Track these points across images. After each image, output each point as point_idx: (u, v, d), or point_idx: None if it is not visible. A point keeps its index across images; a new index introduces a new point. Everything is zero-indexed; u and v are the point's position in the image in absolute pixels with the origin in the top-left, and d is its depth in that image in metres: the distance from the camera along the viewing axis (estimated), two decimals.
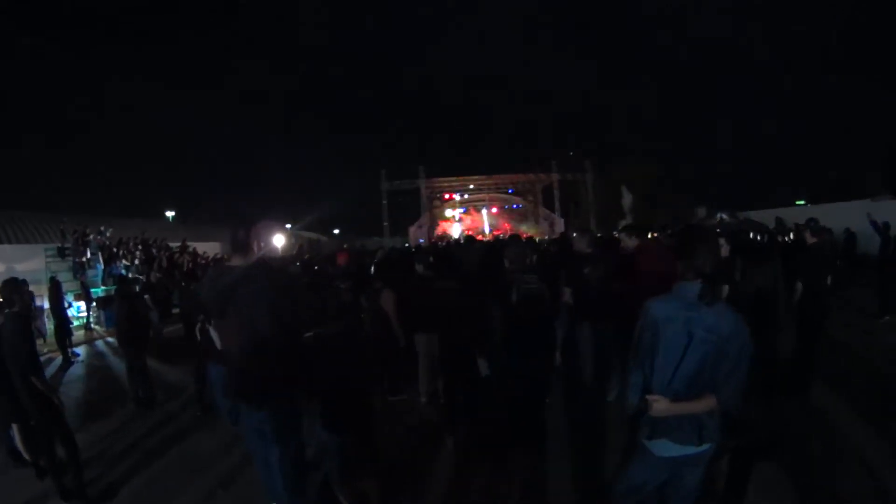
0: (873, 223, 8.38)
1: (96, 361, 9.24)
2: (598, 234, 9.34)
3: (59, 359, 9.01)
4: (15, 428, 3.91)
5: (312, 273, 5.10)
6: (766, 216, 12.61)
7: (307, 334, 2.79)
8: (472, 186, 32.89)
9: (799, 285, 4.58)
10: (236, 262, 2.73)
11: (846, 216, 12.46)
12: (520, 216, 33.66)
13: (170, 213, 25.82)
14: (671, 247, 3.83)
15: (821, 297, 4.74)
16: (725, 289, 2.60)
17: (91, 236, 14.90)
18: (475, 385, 3.25)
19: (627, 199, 27.45)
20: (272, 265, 2.84)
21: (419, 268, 4.98)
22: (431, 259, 5.05)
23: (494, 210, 34.15)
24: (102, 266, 14.27)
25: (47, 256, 14.17)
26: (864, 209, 9.85)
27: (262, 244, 2.75)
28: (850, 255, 11.12)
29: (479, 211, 34.27)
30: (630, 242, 4.68)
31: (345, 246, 18.12)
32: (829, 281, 4.88)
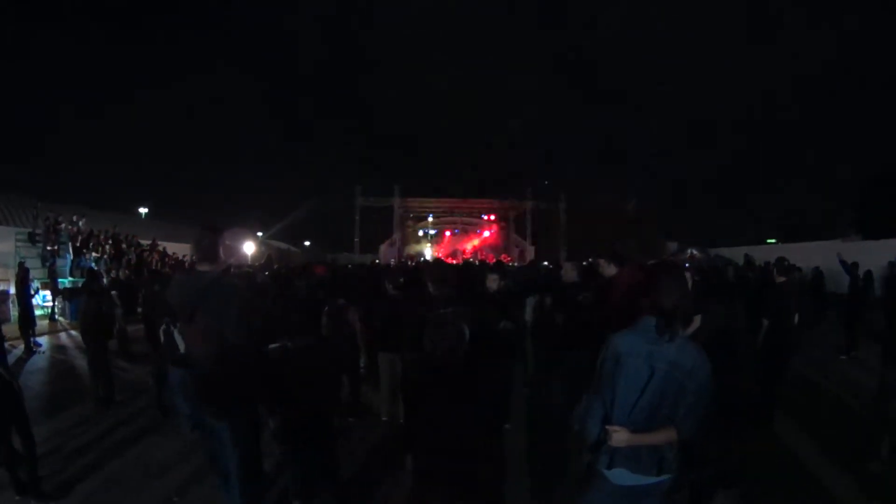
0: (843, 263, 8.64)
1: (58, 354, 8.99)
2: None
3: (21, 348, 8.76)
4: None
5: (281, 284, 5.05)
6: (737, 253, 12.94)
7: (273, 346, 2.77)
8: (445, 209, 33.00)
9: (765, 322, 4.68)
10: (205, 267, 2.71)
11: (816, 255, 12.84)
12: (491, 241, 33.83)
13: (143, 210, 25.31)
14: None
15: (787, 334, 4.85)
16: (698, 319, 2.63)
17: (63, 224, 14.54)
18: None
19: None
20: (241, 273, 2.84)
21: (388, 287, 4.94)
22: (402, 279, 5.02)
23: (466, 233, 34.25)
24: (72, 256, 13.92)
25: (17, 241, 13.77)
26: (833, 249, 10.17)
27: (230, 252, 2.75)
28: (818, 293, 11.43)
29: (451, 234, 34.34)
30: (609, 270, 4.67)
31: (331, 259, 18.01)
32: (795, 319, 5.00)
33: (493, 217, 33.89)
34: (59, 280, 12.52)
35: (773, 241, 22.73)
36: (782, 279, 5.01)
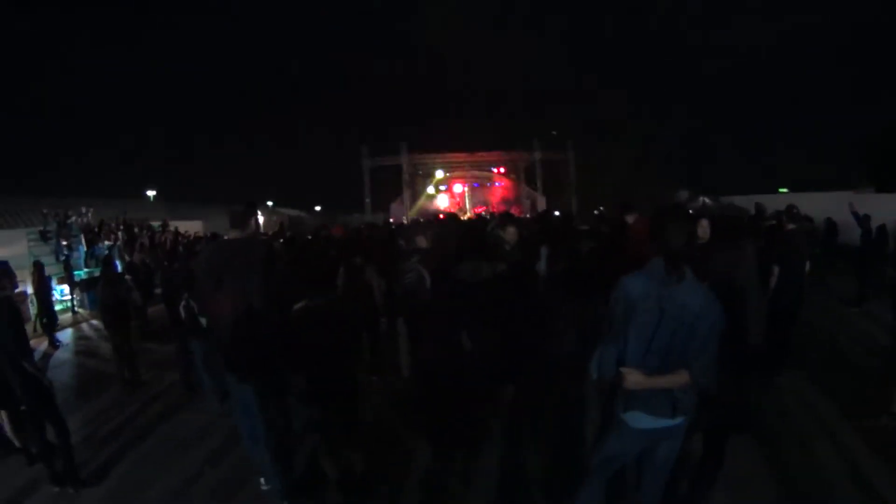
0: (855, 214, 8.54)
1: (81, 345, 9.18)
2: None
3: (45, 344, 8.96)
4: (3, 415, 3.86)
5: (296, 250, 5.09)
6: (749, 202, 12.75)
7: (296, 306, 2.84)
8: (454, 163, 32.70)
9: (775, 269, 4.67)
10: (234, 235, 2.87)
11: (828, 206, 12.66)
12: (502, 194, 33.56)
13: (151, 193, 25.39)
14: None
15: (798, 282, 4.84)
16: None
17: (73, 218, 14.69)
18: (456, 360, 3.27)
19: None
20: (263, 240, 2.96)
21: (402, 244, 4.91)
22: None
23: (476, 187, 34.01)
24: (84, 248, 14.09)
25: (30, 241, 13.96)
26: (846, 200, 10.02)
27: (257, 220, 2.87)
28: (831, 244, 11.31)
29: (461, 188, 34.05)
30: (632, 219, 4.67)
31: (343, 221, 18.07)
32: (807, 267, 4.98)
33: (502, 170, 33.52)
34: (75, 273, 12.69)
35: (784, 190, 22.35)
36: (792, 227, 4.98)
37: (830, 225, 11.81)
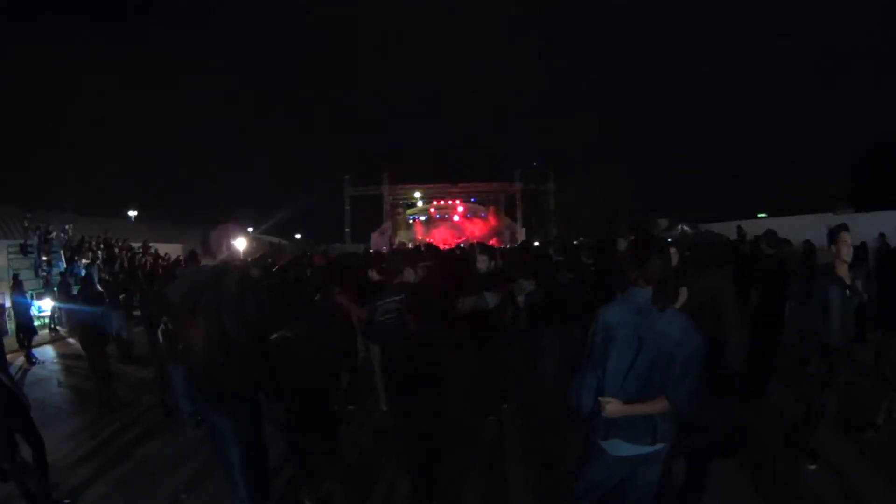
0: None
1: (60, 362, 9.00)
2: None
3: (21, 359, 8.77)
4: None
5: (275, 276, 5.05)
6: (728, 227, 12.95)
7: (274, 336, 2.80)
8: (434, 194, 32.87)
9: (754, 293, 4.75)
10: (207, 261, 2.75)
11: (806, 229, 12.88)
12: (481, 225, 33.73)
13: (132, 213, 25.25)
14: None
15: (777, 306, 4.92)
16: (684, 292, 2.67)
17: (54, 233, 14.50)
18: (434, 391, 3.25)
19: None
20: (237, 267, 2.86)
21: (372, 274, 4.88)
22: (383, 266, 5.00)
23: (456, 218, 34.18)
24: (64, 265, 13.87)
25: (9, 253, 13.70)
26: (824, 222, 10.21)
27: (230, 245, 2.77)
28: (810, 267, 11.46)
29: (441, 219, 34.20)
30: (622, 247, 4.74)
31: (323, 249, 18.00)
32: (786, 290, 5.06)
33: (482, 201, 33.71)
34: (54, 289, 12.45)
35: (763, 215, 22.79)
36: (771, 251, 5.07)
37: (809, 247, 11.98)
